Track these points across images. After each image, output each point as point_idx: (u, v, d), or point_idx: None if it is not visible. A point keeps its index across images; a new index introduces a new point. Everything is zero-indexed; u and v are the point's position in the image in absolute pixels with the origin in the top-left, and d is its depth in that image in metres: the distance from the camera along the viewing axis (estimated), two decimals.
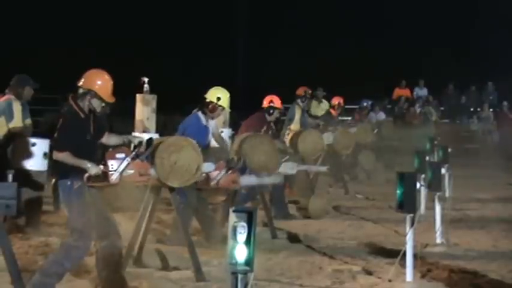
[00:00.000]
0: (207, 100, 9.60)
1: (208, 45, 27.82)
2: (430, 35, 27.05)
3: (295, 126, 13.98)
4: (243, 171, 9.39)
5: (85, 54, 25.01)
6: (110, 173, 6.78)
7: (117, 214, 11.50)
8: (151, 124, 13.07)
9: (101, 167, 6.73)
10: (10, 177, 6.34)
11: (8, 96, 9.96)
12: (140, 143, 7.04)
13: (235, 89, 12.20)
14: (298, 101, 14.27)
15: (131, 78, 14.22)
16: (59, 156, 6.68)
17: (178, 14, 28.62)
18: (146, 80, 12.85)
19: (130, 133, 12.97)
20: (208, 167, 8.29)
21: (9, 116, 9.82)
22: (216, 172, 8.75)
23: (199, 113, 9.65)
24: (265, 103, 11.68)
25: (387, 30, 27.17)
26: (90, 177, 6.70)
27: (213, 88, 9.71)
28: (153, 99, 13.02)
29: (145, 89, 12.90)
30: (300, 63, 25.98)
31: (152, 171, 7.31)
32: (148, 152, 7.14)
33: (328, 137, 13.95)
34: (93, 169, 6.67)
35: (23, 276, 6.62)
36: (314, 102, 17.12)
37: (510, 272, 8.28)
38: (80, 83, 6.90)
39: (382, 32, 27.24)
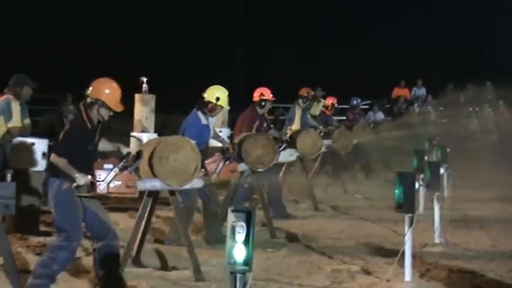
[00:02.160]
0: (206, 100, 9.55)
1: (207, 45, 27.83)
2: (429, 34, 27.07)
3: (295, 126, 13.96)
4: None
5: (85, 55, 25.03)
6: (98, 183, 6.77)
7: (116, 213, 11.53)
8: (150, 124, 13.06)
9: (89, 176, 6.74)
10: (9, 177, 6.32)
11: (7, 96, 9.95)
12: (129, 154, 7.01)
13: (234, 89, 12.19)
14: (300, 101, 14.22)
15: (130, 78, 14.22)
16: (56, 160, 6.70)
17: (178, 14, 28.62)
18: (145, 79, 12.85)
19: (129, 133, 13.00)
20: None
21: (8, 116, 9.81)
22: (214, 165, 8.75)
23: (199, 112, 9.59)
24: (256, 96, 11.58)
25: (386, 30, 27.18)
26: (77, 187, 6.70)
27: (211, 87, 9.64)
28: (151, 99, 13.01)
29: (144, 89, 12.90)
30: (299, 63, 25.99)
31: (139, 184, 7.27)
32: (137, 164, 7.10)
33: (326, 143, 13.78)
34: (81, 179, 6.67)
35: (21, 276, 6.63)
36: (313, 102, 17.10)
37: (509, 271, 8.28)
38: (88, 92, 6.89)
39: (380, 31, 27.25)
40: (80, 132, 6.81)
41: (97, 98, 6.82)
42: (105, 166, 6.83)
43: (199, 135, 9.29)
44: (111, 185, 6.84)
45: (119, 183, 6.88)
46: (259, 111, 11.52)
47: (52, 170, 6.80)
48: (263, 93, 11.51)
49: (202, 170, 8.78)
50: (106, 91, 6.86)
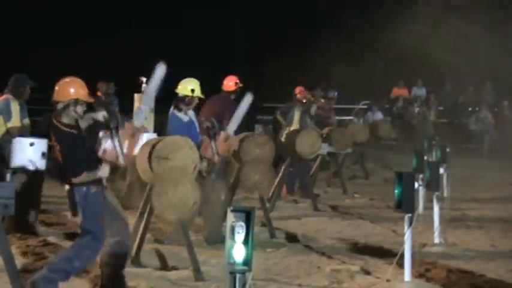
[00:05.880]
0: (182, 95, 9.62)
1: (206, 45, 27.83)
2: (427, 33, 27.04)
3: (294, 127, 13.99)
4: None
5: (84, 54, 25.03)
6: (117, 161, 6.76)
7: None
8: (150, 124, 13.05)
9: (105, 165, 6.74)
10: (8, 177, 6.33)
11: (6, 95, 9.95)
12: (104, 117, 6.87)
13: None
14: (299, 104, 14.31)
15: (130, 78, 14.23)
16: (77, 180, 6.69)
17: (177, 14, 28.63)
18: (144, 79, 12.85)
19: None
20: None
21: (8, 116, 9.80)
22: (210, 148, 8.84)
23: (175, 112, 9.63)
24: (232, 85, 11.35)
25: (385, 29, 27.15)
26: (107, 179, 6.74)
27: (183, 81, 9.73)
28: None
29: (143, 89, 12.90)
30: (299, 64, 25.97)
31: (135, 123, 7.17)
32: (119, 118, 6.96)
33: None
34: (104, 171, 6.73)
35: (21, 276, 6.63)
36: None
37: (508, 271, 8.29)
38: (55, 99, 6.82)
39: (379, 30, 27.23)
40: (73, 143, 6.77)
41: (68, 99, 6.77)
42: (107, 147, 6.79)
43: (188, 133, 9.37)
44: (125, 151, 6.82)
45: (127, 142, 6.87)
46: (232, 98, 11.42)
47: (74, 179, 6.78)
48: (237, 82, 11.42)
49: (204, 159, 8.86)
50: (72, 90, 6.81)
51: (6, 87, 10.02)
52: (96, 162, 6.77)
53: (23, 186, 9.35)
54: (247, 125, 11.94)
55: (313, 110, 16.98)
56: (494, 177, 17.52)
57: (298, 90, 14.91)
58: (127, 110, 13.64)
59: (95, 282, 7.41)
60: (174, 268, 8.24)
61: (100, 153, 6.81)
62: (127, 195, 12.75)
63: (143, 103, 7.19)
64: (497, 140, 23.15)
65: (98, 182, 6.74)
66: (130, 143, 6.96)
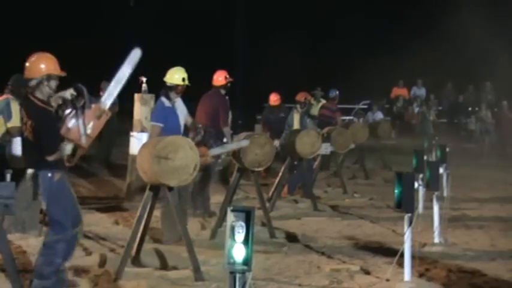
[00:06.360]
0: (173, 84, 9.80)
1: (206, 45, 27.84)
2: (427, 32, 27.08)
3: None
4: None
5: (84, 53, 25.04)
6: (79, 141, 6.67)
7: (115, 213, 11.54)
8: (150, 123, 13.06)
9: (67, 142, 6.65)
10: (8, 176, 6.33)
11: (6, 95, 9.95)
12: (72, 95, 6.80)
13: (233, 90, 12.26)
14: (298, 106, 14.34)
15: (130, 77, 14.20)
16: (53, 157, 6.61)
17: (177, 14, 28.64)
18: (144, 79, 12.84)
19: (128, 132, 13.05)
20: None
21: (8, 116, 9.80)
22: None
23: (163, 98, 9.81)
24: (222, 80, 12.00)
25: (385, 28, 27.16)
26: (68, 158, 6.68)
27: (172, 71, 9.93)
28: (151, 99, 13.01)
29: (143, 89, 12.90)
30: (298, 63, 25.98)
31: (102, 104, 6.98)
32: (86, 97, 6.85)
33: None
34: (67, 149, 6.65)
35: (21, 276, 6.64)
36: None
37: (508, 271, 8.29)
38: (28, 75, 6.75)
39: (380, 30, 27.23)
40: (50, 121, 6.69)
41: (41, 76, 6.72)
42: (70, 126, 6.67)
43: (165, 119, 9.55)
44: (88, 131, 6.73)
45: (91, 123, 6.76)
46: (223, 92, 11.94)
47: (40, 162, 6.67)
48: (227, 76, 11.98)
49: None
50: (43, 66, 6.75)
51: (6, 87, 10.02)
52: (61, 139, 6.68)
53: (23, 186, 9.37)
54: (247, 125, 12.00)
55: (316, 110, 17.04)
56: (494, 177, 17.51)
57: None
58: (127, 110, 13.65)
59: (95, 282, 7.42)
60: (174, 268, 8.23)
61: (63, 131, 6.69)
62: (127, 195, 12.80)
63: (112, 86, 7.09)
64: (497, 140, 23.16)
65: (61, 165, 6.65)
66: (95, 124, 6.80)
